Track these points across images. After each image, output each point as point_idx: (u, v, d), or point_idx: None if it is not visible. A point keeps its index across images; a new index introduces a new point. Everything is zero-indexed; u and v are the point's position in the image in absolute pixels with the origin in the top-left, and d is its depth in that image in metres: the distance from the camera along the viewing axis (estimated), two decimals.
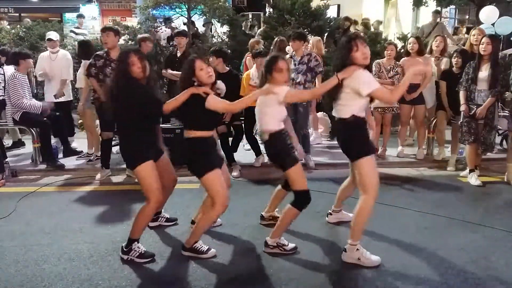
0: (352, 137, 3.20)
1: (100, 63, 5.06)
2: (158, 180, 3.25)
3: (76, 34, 10.27)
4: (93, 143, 6.10)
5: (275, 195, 3.82)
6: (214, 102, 3.14)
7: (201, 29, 10.89)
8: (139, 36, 6.95)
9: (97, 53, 5.25)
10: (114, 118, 3.44)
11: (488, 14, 8.72)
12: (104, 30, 5.20)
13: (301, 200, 3.28)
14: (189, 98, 3.14)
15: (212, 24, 10.49)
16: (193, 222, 3.77)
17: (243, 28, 10.05)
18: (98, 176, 5.33)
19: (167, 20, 10.30)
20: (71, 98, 6.89)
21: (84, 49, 6.07)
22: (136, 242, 3.30)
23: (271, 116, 3.25)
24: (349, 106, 3.13)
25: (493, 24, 8.57)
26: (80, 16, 11.54)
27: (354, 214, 3.21)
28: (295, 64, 5.49)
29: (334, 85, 3.10)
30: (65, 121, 6.35)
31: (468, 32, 10.71)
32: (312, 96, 3.63)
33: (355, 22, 9.48)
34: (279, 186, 3.76)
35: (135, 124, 3.21)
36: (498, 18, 8.66)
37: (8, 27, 9.64)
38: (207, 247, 3.38)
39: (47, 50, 6.66)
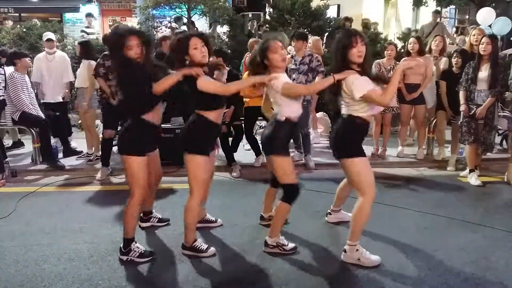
0: (352, 139, 3.15)
1: (109, 63, 5.04)
2: (146, 177, 3.21)
3: (88, 34, 10.09)
4: (93, 143, 6.10)
5: (266, 195, 3.83)
6: (206, 83, 3.03)
7: (201, 28, 10.88)
8: (160, 35, 6.93)
9: (106, 53, 5.21)
10: (120, 108, 3.36)
11: (485, 16, 8.75)
12: None
13: (290, 194, 3.25)
14: (184, 80, 3.03)
15: (218, 24, 10.45)
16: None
17: (249, 28, 10.00)
18: (98, 176, 5.33)
19: (178, 20, 10.23)
20: (68, 99, 6.90)
21: (85, 49, 6.07)
22: (134, 242, 3.29)
23: (284, 105, 3.18)
24: (357, 105, 3.07)
25: (490, 26, 8.59)
26: (89, 15, 11.28)
27: (353, 215, 3.19)
28: (296, 64, 5.50)
29: (331, 84, 3.04)
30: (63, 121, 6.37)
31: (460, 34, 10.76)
32: (307, 91, 3.60)
33: (348, 19, 9.29)
34: (268, 186, 3.78)
35: (138, 117, 3.14)
36: (496, 18, 8.71)
37: (9, 27, 9.63)
38: (207, 245, 3.38)
39: (44, 50, 6.65)
